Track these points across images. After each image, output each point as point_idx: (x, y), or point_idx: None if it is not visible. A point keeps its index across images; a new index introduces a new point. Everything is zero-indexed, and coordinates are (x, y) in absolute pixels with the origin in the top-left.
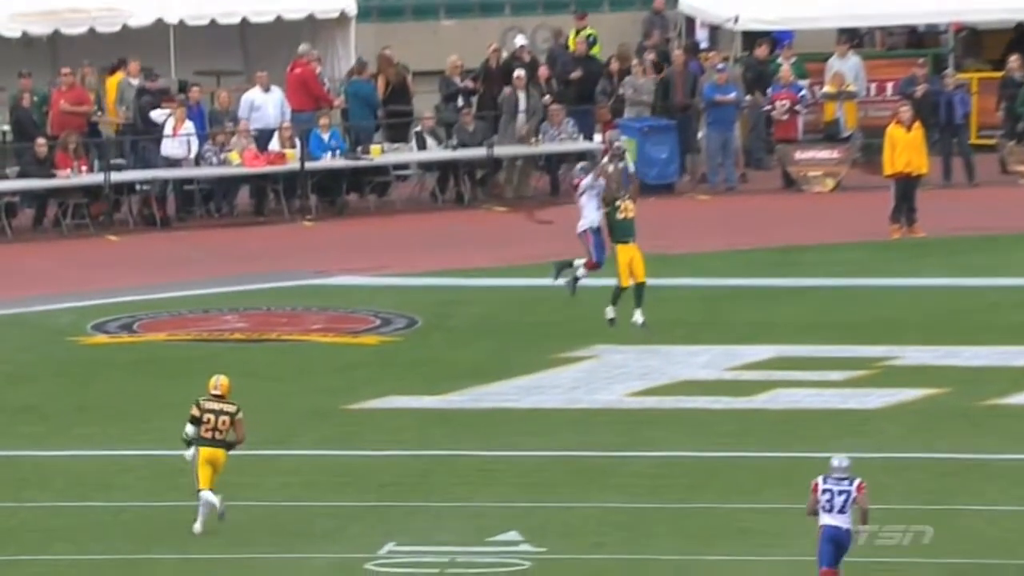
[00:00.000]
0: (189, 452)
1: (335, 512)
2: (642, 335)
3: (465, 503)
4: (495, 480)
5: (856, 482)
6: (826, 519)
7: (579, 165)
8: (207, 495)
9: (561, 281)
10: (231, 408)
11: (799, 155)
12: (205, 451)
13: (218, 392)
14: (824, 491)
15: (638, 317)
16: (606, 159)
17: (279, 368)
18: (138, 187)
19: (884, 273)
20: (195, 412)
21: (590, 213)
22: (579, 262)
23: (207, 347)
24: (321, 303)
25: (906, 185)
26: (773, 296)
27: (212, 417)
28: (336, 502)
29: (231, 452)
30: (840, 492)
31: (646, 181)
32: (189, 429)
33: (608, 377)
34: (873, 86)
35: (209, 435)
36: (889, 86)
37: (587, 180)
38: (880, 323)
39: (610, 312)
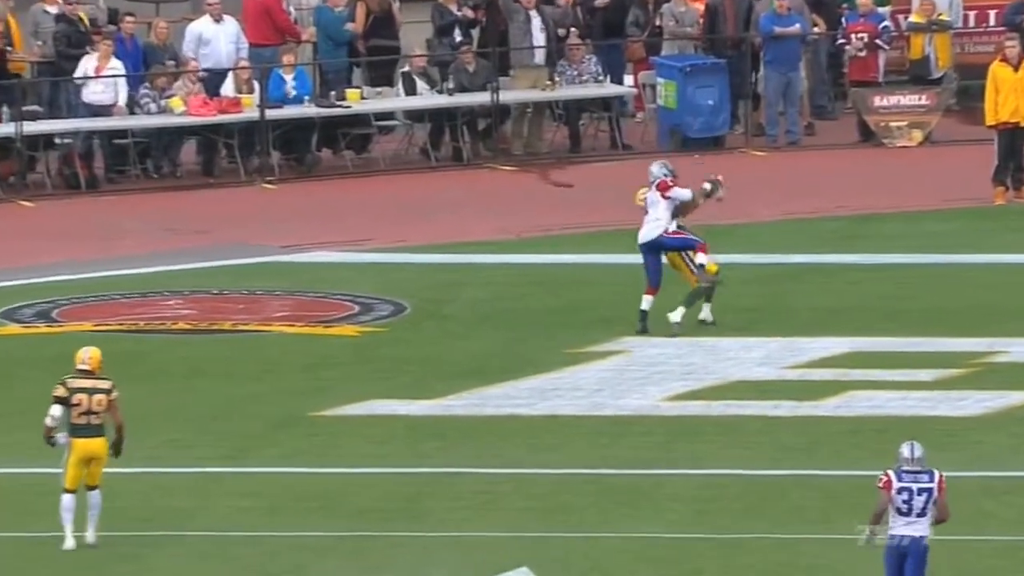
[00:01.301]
0: (62, 437)
1: (303, 544)
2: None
3: (463, 532)
4: (500, 504)
5: (936, 476)
6: (903, 527)
7: (661, 169)
8: (70, 501)
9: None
10: (105, 385)
11: (879, 101)
12: (79, 444)
13: (86, 367)
14: (901, 490)
15: (677, 316)
16: (704, 191)
17: (234, 365)
18: (57, 141)
19: (985, 247)
20: (61, 392)
21: (663, 215)
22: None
23: (145, 340)
24: (286, 285)
25: (1013, 137)
26: (846, 276)
27: (84, 398)
28: (304, 531)
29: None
30: (920, 491)
31: (688, 134)
32: (55, 411)
33: (641, 377)
34: (972, 15)
35: (83, 420)
36: (992, 15)
37: (684, 193)
38: (979, 310)
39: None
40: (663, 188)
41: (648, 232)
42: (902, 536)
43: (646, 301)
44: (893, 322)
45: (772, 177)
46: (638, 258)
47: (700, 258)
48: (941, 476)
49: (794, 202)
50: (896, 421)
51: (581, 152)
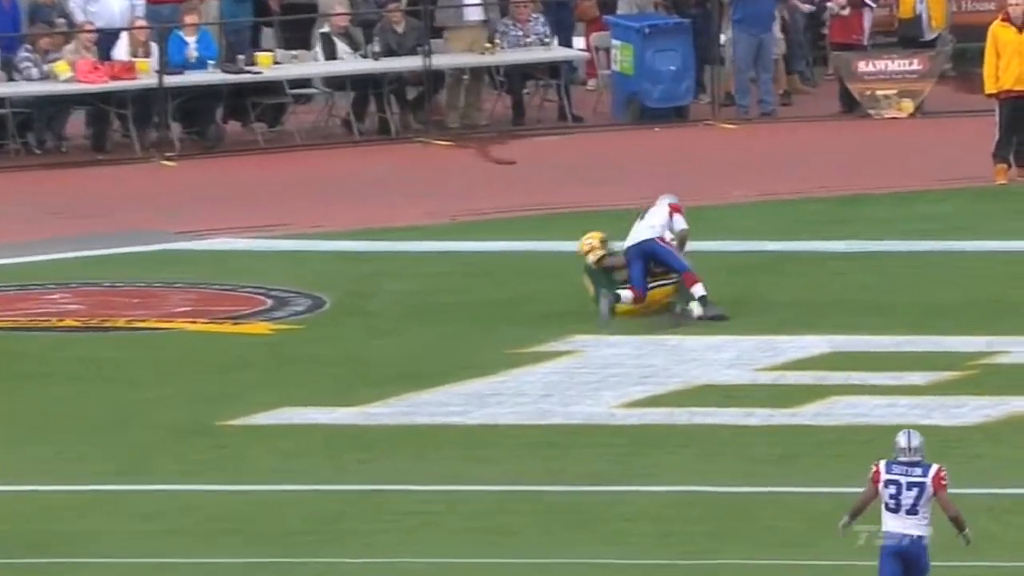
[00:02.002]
0: None
1: (210, 572)
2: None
3: (392, 558)
4: (433, 526)
5: (933, 470)
6: (890, 523)
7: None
8: None
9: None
10: None
11: (864, 66)
12: None
13: None
14: (889, 483)
15: (697, 308)
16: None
17: (129, 368)
18: None
19: (984, 233)
20: None
21: (659, 222)
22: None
23: (26, 338)
24: (188, 276)
25: (1017, 108)
26: (827, 266)
27: None
28: (211, 557)
29: None
30: (911, 485)
31: (647, 104)
32: None
33: (594, 381)
34: None
35: None
36: None
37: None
38: (978, 304)
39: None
40: (676, 209)
41: (640, 234)
42: (901, 536)
43: (626, 297)
44: (881, 318)
45: (743, 153)
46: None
47: (698, 289)
48: (940, 470)
49: (768, 182)
50: (884, 431)
51: (525, 125)
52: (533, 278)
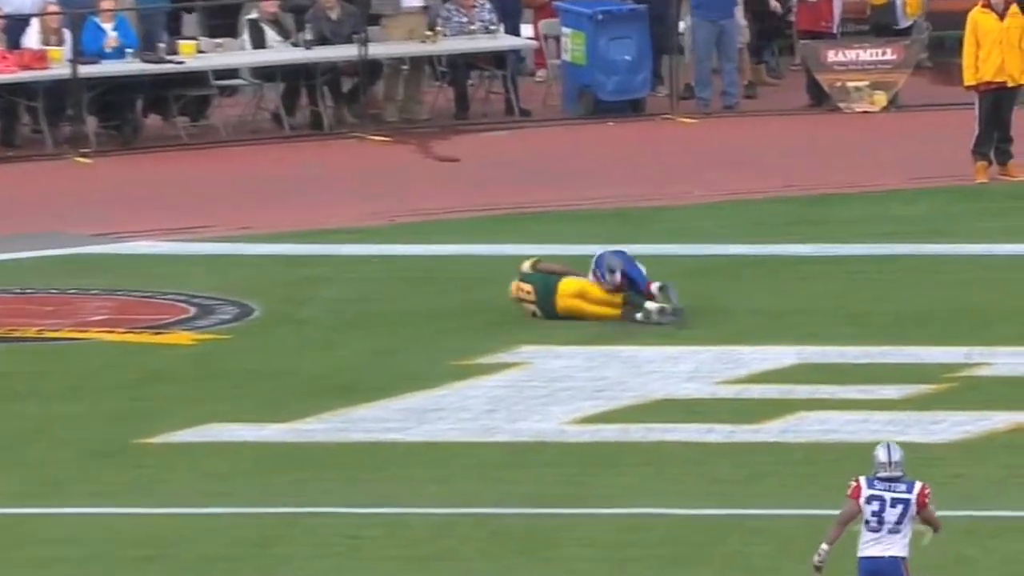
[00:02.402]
0: None
1: None
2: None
3: None
4: (370, 552)
5: (917, 487)
6: (871, 547)
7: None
8: None
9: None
10: None
11: (834, 56)
12: None
13: None
14: (872, 499)
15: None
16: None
17: (41, 381)
18: None
19: (963, 235)
20: None
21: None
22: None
23: None
24: (105, 282)
25: (998, 101)
26: (794, 270)
27: None
28: None
29: None
30: (895, 501)
31: (600, 97)
32: None
33: (543, 395)
34: None
35: None
36: None
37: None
38: (957, 312)
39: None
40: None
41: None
42: (875, 559)
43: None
44: (852, 327)
45: (704, 149)
46: (540, 249)
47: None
48: (924, 488)
49: (730, 180)
50: (856, 448)
51: (469, 119)
52: (478, 284)
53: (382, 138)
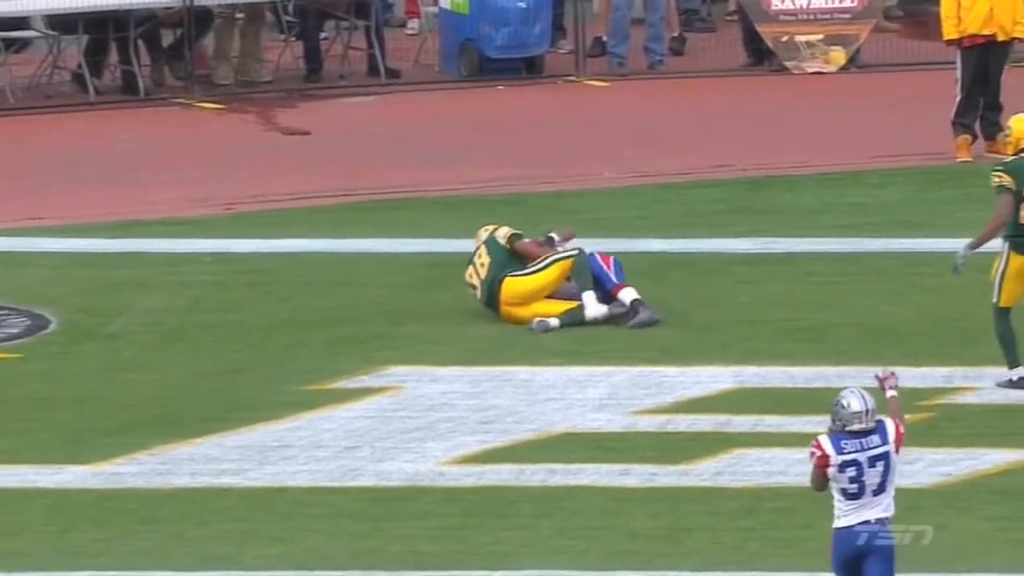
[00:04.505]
0: None
1: None
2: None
3: None
4: None
5: (890, 428)
6: (853, 513)
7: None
8: None
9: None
10: None
11: (780, 3)
12: None
13: None
14: (845, 465)
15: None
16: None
17: None
18: None
19: (940, 228)
20: None
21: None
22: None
23: None
24: None
25: (985, 59)
26: (731, 272)
27: None
28: None
29: None
30: (874, 459)
31: (487, 54)
32: None
33: (417, 428)
34: None
35: None
36: None
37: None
38: (933, 324)
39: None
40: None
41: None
42: (854, 528)
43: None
44: (803, 343)
45: (618, 120)
46: (413, 244)
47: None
48: (898, 425)
49: (651, 159)
50: (806, 495)
51: (323, 81)
52: (335, 289)
53: (213, 105)
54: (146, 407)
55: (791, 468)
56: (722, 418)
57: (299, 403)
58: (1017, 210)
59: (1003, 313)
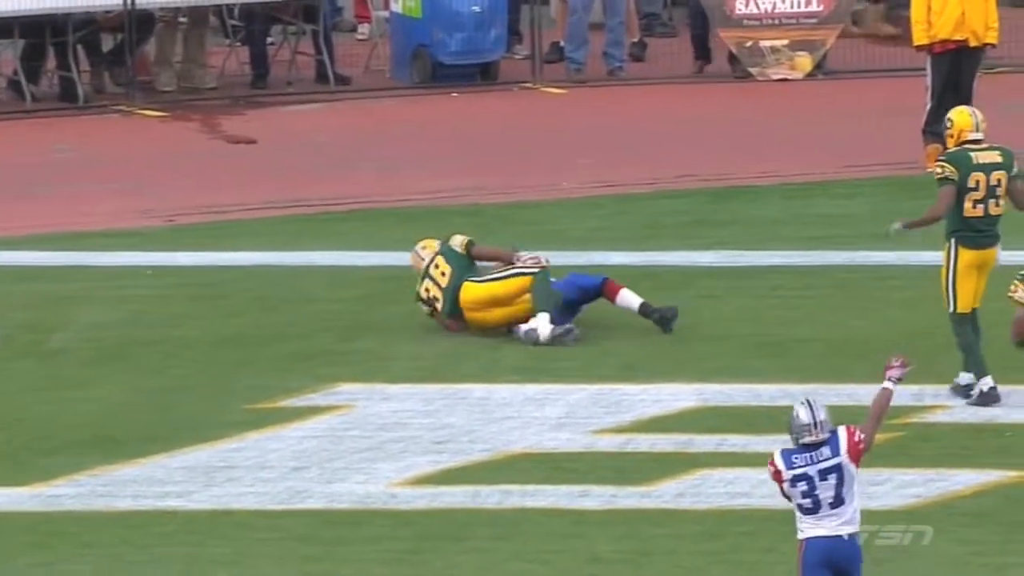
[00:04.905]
0: None
1: None
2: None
3: None
4: None
5: (843, 438)
6: (812, 527)
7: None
8: None
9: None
10: None
11: (743, 7)
12: None
13: None
14: (796, 480)
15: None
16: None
17: None
18: None
19: (910, 241)
20: None
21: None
22: None
23: None
24: None
25: (957, 65)
26: (694, 286)
27: None
28: None
29: None
30: (825, 472)
31: (440, 60)
32: None
33: (368, 448)
34: None
35: None
36: None
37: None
38: (903, 339)
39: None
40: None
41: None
42: (816, 540)
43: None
44: (767, 358)
45: (577, 128)
46: (364, 257)
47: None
48: (852, 434)
49: (611, 169)
50: (772, 517)
51: (269, 88)
52: (282, 304)
53: (155, 113)
54: (86, 426)
55: (756, 489)
56: (684, 437)
57: (245, 422)
58: (961, 203)
59: (962, 320)
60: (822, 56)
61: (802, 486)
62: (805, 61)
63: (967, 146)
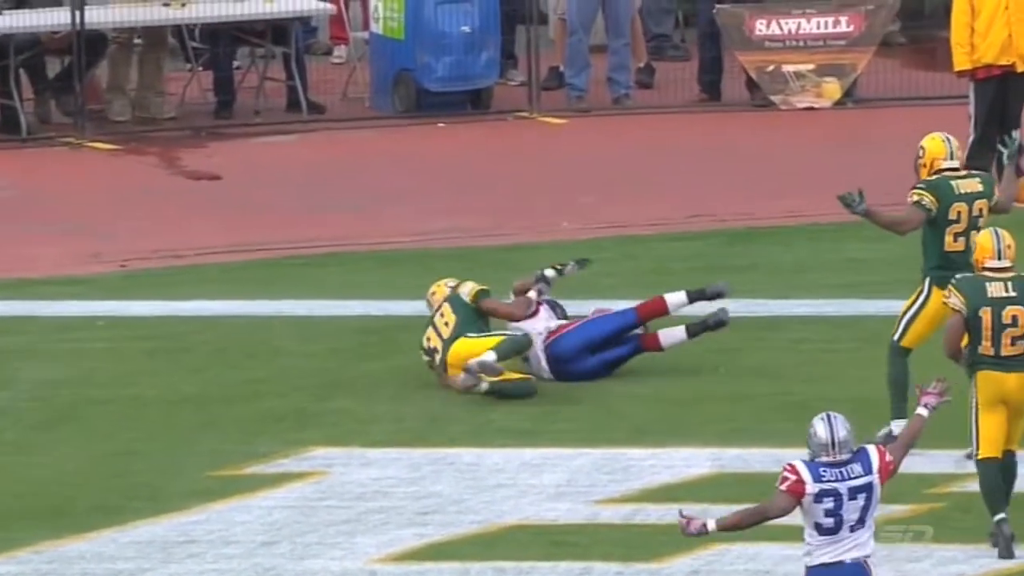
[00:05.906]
0: None
1: None
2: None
3: None
4: None
5: (875, 457)
6: (827, 549)
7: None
8: None
9: None
10: None
11: (763, 27)
12: None
13: None
14: (822, 495)
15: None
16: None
17: None
18: None
19: None
20: None
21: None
22: None
23: None
24: None
25: (1003, 92)
26: (708, 338)
27: None
28: None
29: None
30: (855, 491)
31: (426, 86)
32: None
33: (345, 520)
34: None
35: None
36: None
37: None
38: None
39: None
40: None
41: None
42: (833, 566)
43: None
44: (790, 420)
45: (578, 162)
46: (341, 306)
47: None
48: (882, 453)
49: (615, 207)
50: None
51: (235, 118)
52: (249, 359)
53: (107, 145)
54: (31, 496)
55: (779, 566)
56: (699, 507)
57: (208, 491)
58: (941, 236)
59: (902, 352)
60: (852, 82)
61: (828, 503)
62: (833, 88)
63: (947, 174)
